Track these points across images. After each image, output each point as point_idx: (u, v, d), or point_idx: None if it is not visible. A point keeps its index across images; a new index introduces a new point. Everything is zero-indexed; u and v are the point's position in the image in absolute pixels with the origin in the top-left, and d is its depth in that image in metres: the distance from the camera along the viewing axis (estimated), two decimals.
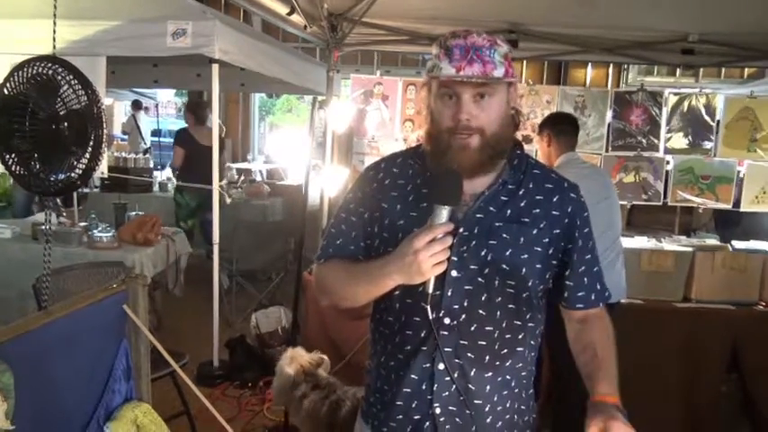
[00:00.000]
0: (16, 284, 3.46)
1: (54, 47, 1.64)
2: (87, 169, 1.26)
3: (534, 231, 1.28)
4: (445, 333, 1.26)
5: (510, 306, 1.29)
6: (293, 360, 3.01)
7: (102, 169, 4.46)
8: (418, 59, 8.35)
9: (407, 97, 4.42)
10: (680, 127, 4.38)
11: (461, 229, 1.25)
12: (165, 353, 1.32)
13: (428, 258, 1.14)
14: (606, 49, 4.47)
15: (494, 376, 1.30)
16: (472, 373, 1.28)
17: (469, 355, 1.27)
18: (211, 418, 1.35)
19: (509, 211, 1.28)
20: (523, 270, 1.28)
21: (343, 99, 5.04)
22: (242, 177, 7.17)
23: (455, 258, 1.24)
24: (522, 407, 1.38)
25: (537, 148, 3.36)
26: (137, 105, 9.39)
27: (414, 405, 1.32)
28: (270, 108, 14.75)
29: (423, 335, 1.29)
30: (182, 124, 6.50)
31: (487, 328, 1.27)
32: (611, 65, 8.30)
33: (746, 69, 7.78)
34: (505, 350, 1.30)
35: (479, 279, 1.26)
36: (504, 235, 1.26)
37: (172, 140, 6.40)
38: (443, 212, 1.16)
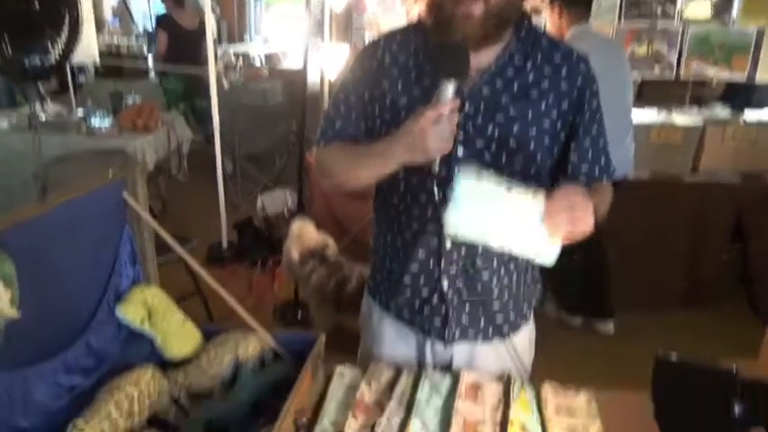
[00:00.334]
0: (19, 174, 3.45)
1: None
2: (65, 52, 1.18)
3: (542, 106, 1.23)
4: None
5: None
6: (299, 240, 3.05)
7: (93, 53, 4.31)
8: None
9: None
10: None
11: (467, 106, 1.19)
12: (168, 237, 1.32)
13: (434, 137, 1.09)
14: None
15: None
16: (479, 249, 1.28)
17: None
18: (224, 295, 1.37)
19: (516, 86, 1.22)
20: (531, 146, 1.24)
21: None
22: (240, 62, 6.95)
23: (461, 136, 1.20)
24: (528, 279, 1.40)
25: (546, 20, 3.20)
26: None
27: (421, 281, 1.34)
28: None
29: (429, 214, 1.28)
30: None
31: None
32: None
33: None
34: None
35: (486, 156, 1.23)
36: (512, 110, 1.21)
37: None
38: (449, 87, 1.10)
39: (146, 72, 6.47)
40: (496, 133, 1.22)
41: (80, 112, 4.24)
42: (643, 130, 3.44)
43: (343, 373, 1.32)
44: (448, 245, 1.28)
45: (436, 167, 1.15)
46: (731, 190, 3.49)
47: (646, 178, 3.48)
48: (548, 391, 1.27)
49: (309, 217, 3.36)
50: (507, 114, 1.21)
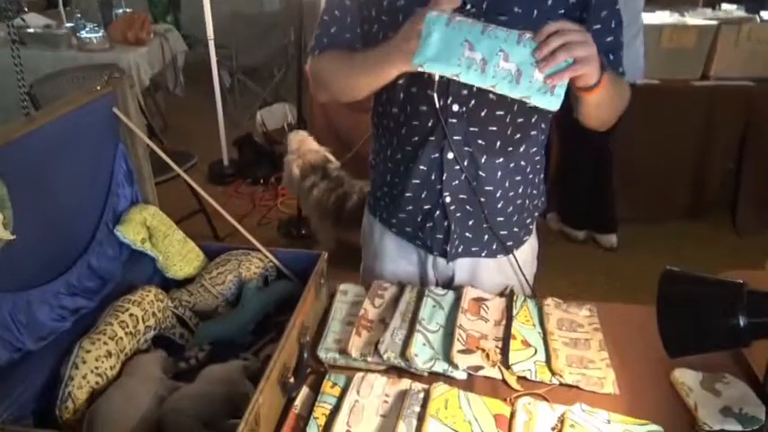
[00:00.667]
0: (12, 90, 3.36)
1: None
2: None
3: (548, 2, 1.13)
4: (453, 121, 1.20)
5: None
6: (299, 153, 3.02)
7: None
8: None
9: None
10: None
11: (468, 6, 1.12)
12: (163, 154, 1.28)
13: None
14: None
15: (505, 162, 1.26)
16: (483, 161, 1.24)
17: (480, 142, 1.22)
18: (228, 212, 1.36)
19: None
20: None
21: None
22: None
23: None
24: (534, 191, 1.37)
25: None
26: None
27: (423, 195, 1.31)
28: None
29: (430, 124, 1.23)
30: None
31: (498, 113, 1.20)
32: None
33: None
34: (518, 135, 1.25)
35: None
36: (516, 9, 1.12)
37: None
38: None
39: None
40: None
41: (69, 24, 4.10)
42: (654, 33, 3.30)
43: (347, 291, 1.32)
44: (449, 155, 1.23)
45: (436, 74, 1.08)
46: (744, 93, 3.40)
47: (654, 85, 3.38)
48: (550, 305, 1.27)
49: (310, 131, 3.31)
50: (511, 13, 1.12)
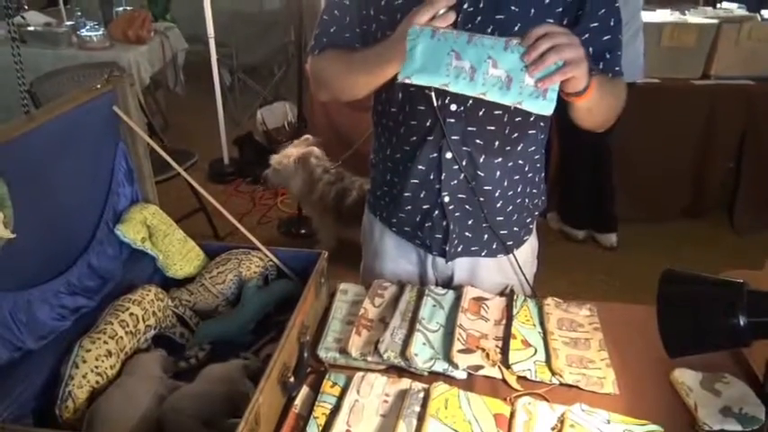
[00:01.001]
0: (12, 88, 3.37)
1: None
2: None
3: (546, 0, 1.13)
4: (452, 120, 1.20)
5: None
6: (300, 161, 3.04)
7: None
8: None
9: None
10: None
11: (465, 4, 1.11)
12: (164, 153, 1.29)
13: None
14: None
15: (504, 161, 1.26)
16: (481, 160, 1.24)
17: (478, 141, 1.22)
18: (228, 211, 1.36)
19: None
20: None
21: None
22: None
23: None
24: (534, 190, 1.37)
25: None
26: None
27: (422, 195, 1.31)
28: None
29: (428, 124, 1.23)
30: None
31: (496, 112, 1.20)
32: None
33: None
34: (516, 134, 1.24)
35: None
36: (513, 7, 1.12)
37: None
38: None
39: None
40: (497, 33, 1.14)
41: (69, 22, 4.10)
42: (654, 32, 3.30)
43: (347, 290, 1.32)
44: (448, 155, 1.23)
45: None
46: (744, 92, 3.39)
47: (655, 84, 3.38)
48: (550, 304, 1.27)
49: (310, 130, 3.31)
50: (509, 11, 1.12)
